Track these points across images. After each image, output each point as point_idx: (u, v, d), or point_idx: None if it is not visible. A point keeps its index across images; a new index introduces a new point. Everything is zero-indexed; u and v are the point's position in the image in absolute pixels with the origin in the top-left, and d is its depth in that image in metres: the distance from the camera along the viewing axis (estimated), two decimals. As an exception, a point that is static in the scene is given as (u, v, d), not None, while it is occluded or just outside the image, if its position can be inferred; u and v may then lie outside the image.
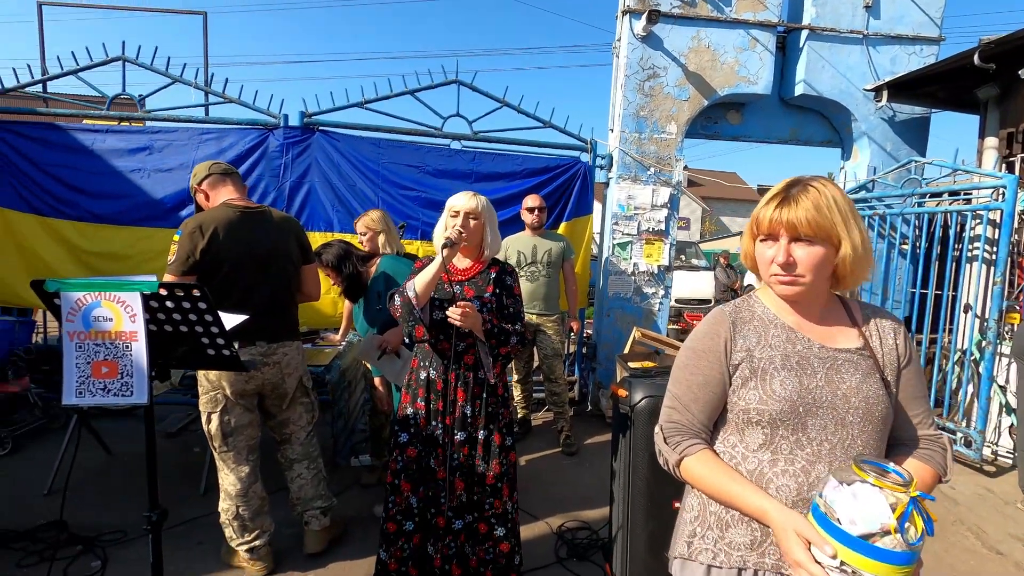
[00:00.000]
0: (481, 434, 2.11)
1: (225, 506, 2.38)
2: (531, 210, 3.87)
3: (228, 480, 2.38)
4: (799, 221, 1.02)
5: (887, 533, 0.81)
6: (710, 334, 1.15)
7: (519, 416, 4.20)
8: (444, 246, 1.97)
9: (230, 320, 1.76)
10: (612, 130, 4.65)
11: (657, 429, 1.21)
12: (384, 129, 4.40)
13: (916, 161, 4.42)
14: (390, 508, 2.12)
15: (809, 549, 0.89)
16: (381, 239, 3.11)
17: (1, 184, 3.96)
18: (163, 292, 1.55)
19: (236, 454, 2.37)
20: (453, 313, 1.90)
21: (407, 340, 2.13)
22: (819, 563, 0.86)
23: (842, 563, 0.83)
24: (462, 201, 2.07)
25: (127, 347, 1.53)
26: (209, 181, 2.41)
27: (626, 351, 4.17)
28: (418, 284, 1.97)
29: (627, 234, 4.58)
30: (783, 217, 1.04)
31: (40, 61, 4.37)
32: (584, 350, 4.87)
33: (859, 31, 4.61)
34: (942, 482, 1.11)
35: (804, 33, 4.60)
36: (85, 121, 4.29)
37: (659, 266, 4.66)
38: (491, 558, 2.14)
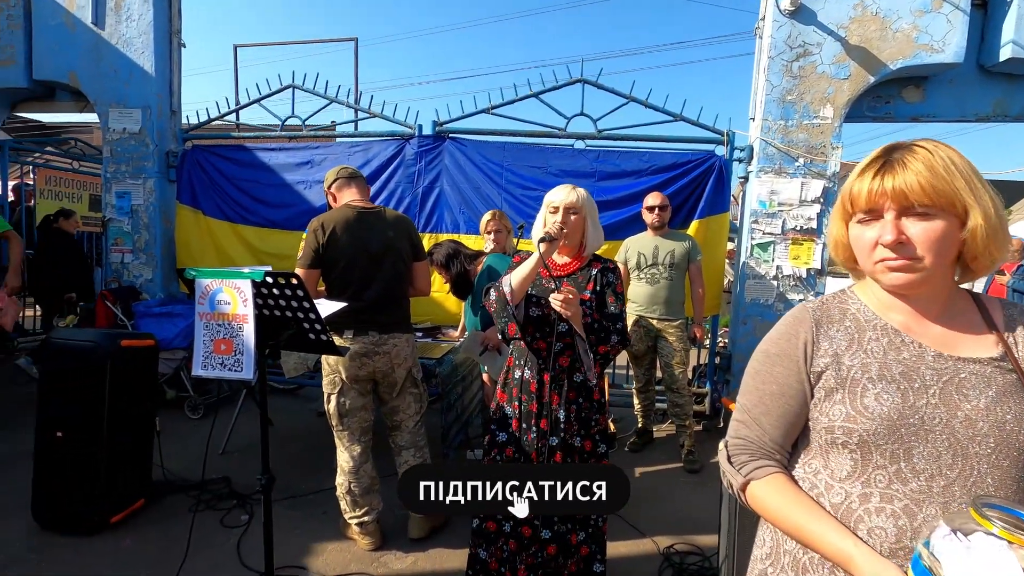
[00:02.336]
0: (576, 440, 2.02)
1: (340, 480, 2.61)
2: (651, 209, 3.66)
3: (343, 457, 2.60)
4: (910, 187, 0.81)
5: None
6: (787, 335, 0.95)
7: (639, 426, 4.00)
8: (542, 240, 1.91)
9: (327, 307, 1.93)
10: (753, 119, 4.20)
11: (721, 445, 1.03)
12: (509, 133, 4.51)
13: None
14: None
15: None
16: (507, 239, 3.22)
17: (206, 198, 4.86)
18: (268, 280, 1.75)
19: (350, 433, 2.58)
20: (556, 298, 1.81)
21: (500, 336, 2.13)
22: None
23: None
24: (561, 195, 2.00)
25: (240, 328, 1.75)
26: (336, 184, 2.67)
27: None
28: (514, 279, 1.93)
29: (769, 233, 4.10)
30: (887, 186, 0.83)
31: (234, 94, 5.26)
32: (717, 360, 4.47)
33: (1100, -30, 3.60)
34: None
35: (1014, -17, 3.71)
36: (292, 141, 5.10)
37: (809, 269, 4.10)
38: (577, 568, 2.04)
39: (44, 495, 2.61)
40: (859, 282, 0.99)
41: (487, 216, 3.30)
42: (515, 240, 3.49)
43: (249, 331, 1.75)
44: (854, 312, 0.93)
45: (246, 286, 1.74)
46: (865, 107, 4.17)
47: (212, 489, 3.10)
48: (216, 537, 2.68)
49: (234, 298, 1.76)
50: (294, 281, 1.74)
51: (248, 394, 3.91)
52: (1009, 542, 0.61)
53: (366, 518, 2.61)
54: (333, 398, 2.56)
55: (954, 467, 0.80)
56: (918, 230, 0.82)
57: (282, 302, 1.81)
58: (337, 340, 2.39)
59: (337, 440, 2.63)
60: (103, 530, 2.63)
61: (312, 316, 1.82)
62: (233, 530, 2.75)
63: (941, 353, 0.85)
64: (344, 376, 2.52)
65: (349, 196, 2.64)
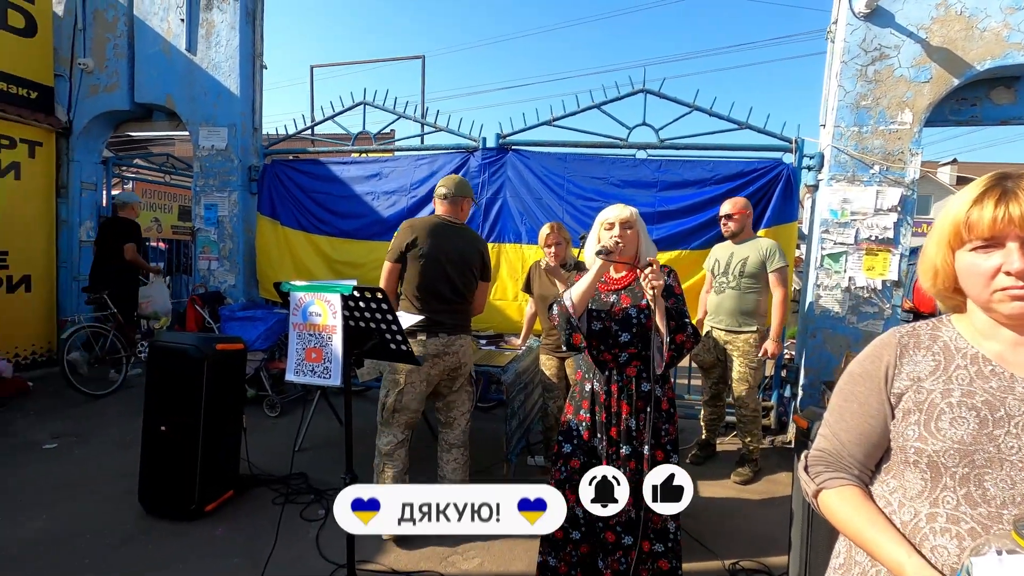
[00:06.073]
0: (646, 449, 2.07)
1: (376, 462, 2.80)
2: (718, 218, 3.62)
3: (383, 440, 2.78)
4: None
5: None
6: (872, 357, 0.99)
7: (701, 437, 3.95)
8: (598, 253, 1.98)
9: (406, 320, 2.06)
10: (823, 126, 4.07)
11: (802, 455, 1.08)
12: (571, 143, 4.57)
13: None
14: None
15: None
16: (567, 250, 3.27)
17: (284, 209, 5.18)
18: (355, 294, 1.89)
19: (395, 426, 2.77)
20: (647, 271, 1.85)
21: (565, 347, 2.21)
22: None
23: None
24: (615, 212, 2.08)
25: (329, 338, 1.90)
26: (442, 197, 2.85)
27: (835, 378, 3.60)
28: (574, 293, 2.03)
29: (840, 243, 3.95)
30: (1014, 214, 0.82)
31: (310, 111, 5.58)
32: (784, 373, 4.34)
33: None
34: None
35: (1122, -27, 3.44)
36: (363, 155, 5.34)
37: (885, 280, 3.92)
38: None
39: (149, 482, 2.88)
40: (954, 313, 0.99)
41: (545, 230, 3.26)
42: (575, 251, 3.54)
43: (338, 341, 1.89)
44: (945, 340, 0.94)
45: (336, 299, 1.89)
46: (948, 110, 3.96)
47: (291, 484, 3.31)
48: (297, 529, 2.87)
49: (324, 310, 1.92)
50: (379, 295, 1.88)
51: (323, 394, 4.14)
52: None
53: None
54: (392, 395, 2.72)
55: None
56: None
57: (367, 314, 1.95)
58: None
59: (382, 427, 2.80)
60: (199, 517, 2.88)
61: (394, 328, 1.95)
62: (312, 523, 2.94)
63: None
64: (418, 376, 2.67)
65: (441, 209, 2.86)
